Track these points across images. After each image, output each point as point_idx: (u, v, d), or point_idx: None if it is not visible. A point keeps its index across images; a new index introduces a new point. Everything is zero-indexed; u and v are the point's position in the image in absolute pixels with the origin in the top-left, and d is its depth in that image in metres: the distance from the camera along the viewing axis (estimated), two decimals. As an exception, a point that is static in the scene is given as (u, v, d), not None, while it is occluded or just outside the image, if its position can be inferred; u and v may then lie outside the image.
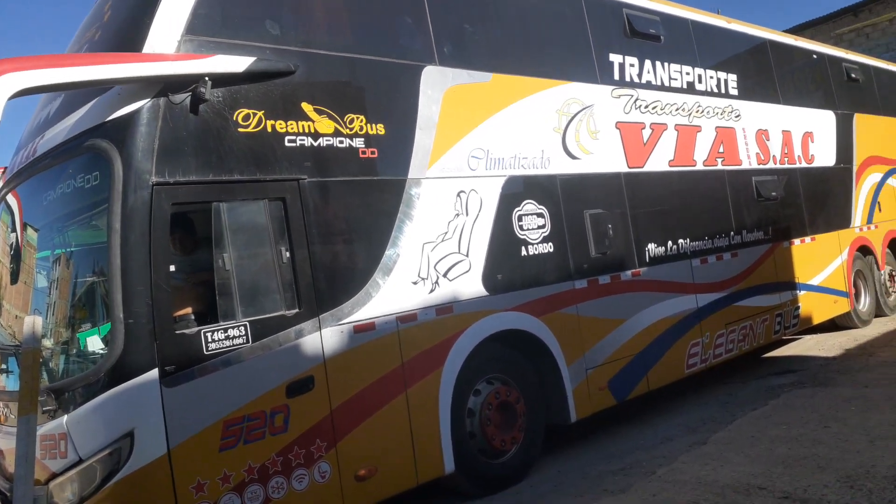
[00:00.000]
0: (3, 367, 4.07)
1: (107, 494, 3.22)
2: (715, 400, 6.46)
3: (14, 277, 4.08)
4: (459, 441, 4.47)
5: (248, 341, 3.63)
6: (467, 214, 4.78)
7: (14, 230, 4.14)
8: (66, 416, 3.27)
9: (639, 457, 4.99)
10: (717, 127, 7.20)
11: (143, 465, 3.24)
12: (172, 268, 3.52)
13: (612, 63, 6.19)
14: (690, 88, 7.01)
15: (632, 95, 6.24)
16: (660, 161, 6.42)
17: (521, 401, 4.90)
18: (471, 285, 4.72)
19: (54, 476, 3.31)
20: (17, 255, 4.09)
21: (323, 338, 3.92)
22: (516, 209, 5.06)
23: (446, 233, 4.64)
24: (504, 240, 4.95)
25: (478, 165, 4.91)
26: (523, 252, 5.05)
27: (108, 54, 3.65)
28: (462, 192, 4.77)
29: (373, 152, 4.38)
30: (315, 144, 4.11)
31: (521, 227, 5.06)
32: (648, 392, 5.94)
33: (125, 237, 3.32)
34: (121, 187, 3.35)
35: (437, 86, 4.77)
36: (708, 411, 6.08)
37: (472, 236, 4.78)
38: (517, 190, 5.11)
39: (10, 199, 4.18)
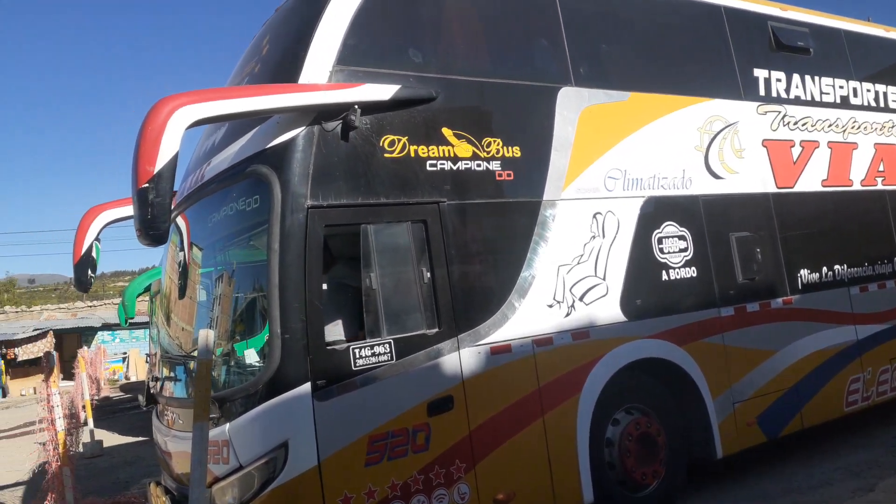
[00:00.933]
0: (172, 374, 4.42)
1: (263, 502, 3.38)
2: (879, 442, 5.84)
3: (181, 293, 4.43)
4: (598, 471, 4.31)
5: (392, 358, 3.72)
6: (604, 236, 4.66)
7: (182, 249, 4.51)
8: (228, 424, 3.48)
9: (795, 499, 4.60)
10: (875, 143, 6.62)
11: (296, 475, 3.38)
12: (324, 286, 3.68)
13: (756, 78, 5.87)
14: (844, 103, 6.51)
15: (779, 112, 5.87)
16: (812, 181, 5.98)
17: (662, 433, 4.66)
18: (608, 310, 4.59)
19: (217, 480, 3.52)
20: (184, 273, 4.44)
21: (461, 358, 3.95)
22: (656, 231, 4.87)
23: (582, 255, 4.54)
24: (643, 263, 4.77)
25: (615, 186, 4.79)
26: (664, 276, 4.85)
27: (268, 86, 3.91)
28: (598, 213, 4.67)
29: (509, 174, 4.39)
30: (454, 168, 4.19)
31: (661, 251, 4.86)
32: (802, 430, 5.46)
33: (283, 257, 3.52)
34: (279, 210, 3.57)
35: (572, 106, 4.73)
36: (872, 454, 5.50)
37: (608, 259, 4.65)
38: (657, 211, 4.93)
39: (180, 220, 4.56)
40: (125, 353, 25.61)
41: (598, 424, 4.37)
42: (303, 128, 3.73)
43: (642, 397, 4.70)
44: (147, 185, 3.09)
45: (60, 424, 6.16)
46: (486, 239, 4.26)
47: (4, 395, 23.04)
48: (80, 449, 10.12)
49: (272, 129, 3.80)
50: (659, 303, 4.79)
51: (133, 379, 24.59)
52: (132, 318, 11.40)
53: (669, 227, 4.93)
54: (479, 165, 4.29)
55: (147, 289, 11.87)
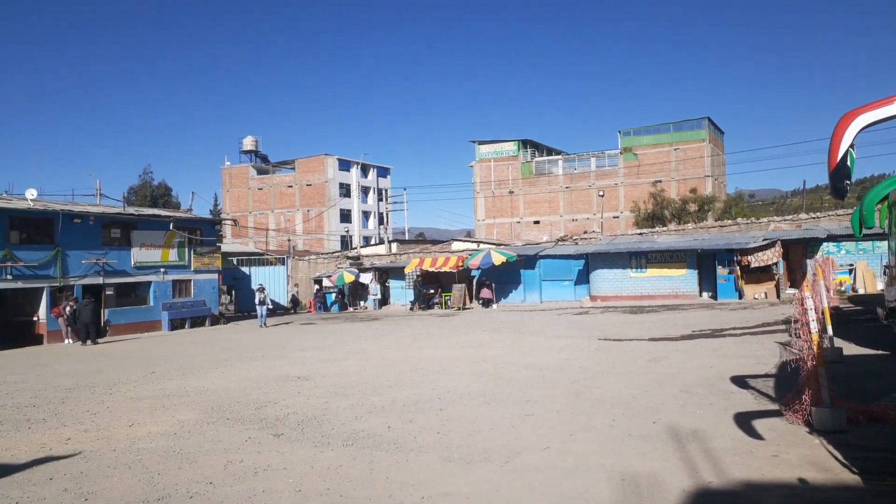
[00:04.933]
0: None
1: None
2: None
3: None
4: None
5: None
6: None
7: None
8: None
9: None
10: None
11: None
12: None
13: None
14: None
15: None
16: None
17: None
18: None
19: None
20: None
21: None
22: None
23: None
24: None
25: None
26: None
27: None
28: None
29: None
30: None
31: None
32: None
33: None
34: None
35: None
36: None
37: None
38: None
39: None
40: (851, 265, 24.79)
41: None
42: None
43: None
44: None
45: (814, 327, 6.60)
46: None
47: (740, 297, 25.92)
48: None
49: None
50: None
51: (860, 291, 23.71)
52: (870, 228, 10.84)
53: None
54: None
55: (885, 198, 11.11)
